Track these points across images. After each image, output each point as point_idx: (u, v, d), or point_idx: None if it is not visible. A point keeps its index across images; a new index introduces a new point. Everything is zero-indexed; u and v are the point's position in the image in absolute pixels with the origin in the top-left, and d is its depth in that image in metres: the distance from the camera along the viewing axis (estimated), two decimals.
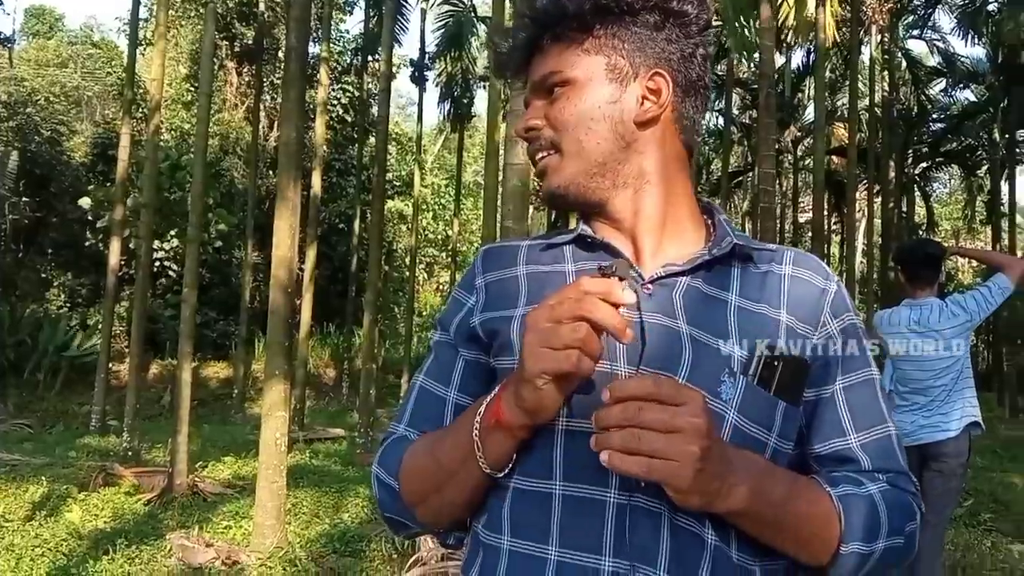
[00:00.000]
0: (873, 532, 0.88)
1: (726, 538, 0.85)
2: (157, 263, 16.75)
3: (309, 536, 5.82)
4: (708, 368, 0.87)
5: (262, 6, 16.07)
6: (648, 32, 0.97)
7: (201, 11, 9.08)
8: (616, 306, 0.76)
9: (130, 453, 8.91)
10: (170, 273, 17.43)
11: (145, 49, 19.28)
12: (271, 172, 19.56)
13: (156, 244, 15.76)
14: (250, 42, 19.13)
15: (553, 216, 21.37)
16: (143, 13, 17.86)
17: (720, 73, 17.30)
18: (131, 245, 15.07)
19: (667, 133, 0.98)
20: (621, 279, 0.79)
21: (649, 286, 0.92)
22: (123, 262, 13.88)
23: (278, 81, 19.37)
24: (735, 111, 19.38)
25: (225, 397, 16.18)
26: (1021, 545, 5.67)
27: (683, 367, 0.87)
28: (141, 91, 17.41)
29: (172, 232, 17.02)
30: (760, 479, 0.82)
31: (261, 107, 17.41)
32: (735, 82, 17.82)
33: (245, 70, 20.95)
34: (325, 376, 19.17)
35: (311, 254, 12.08)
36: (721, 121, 19.46)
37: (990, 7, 17.41)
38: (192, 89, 19.54)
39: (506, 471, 0.89)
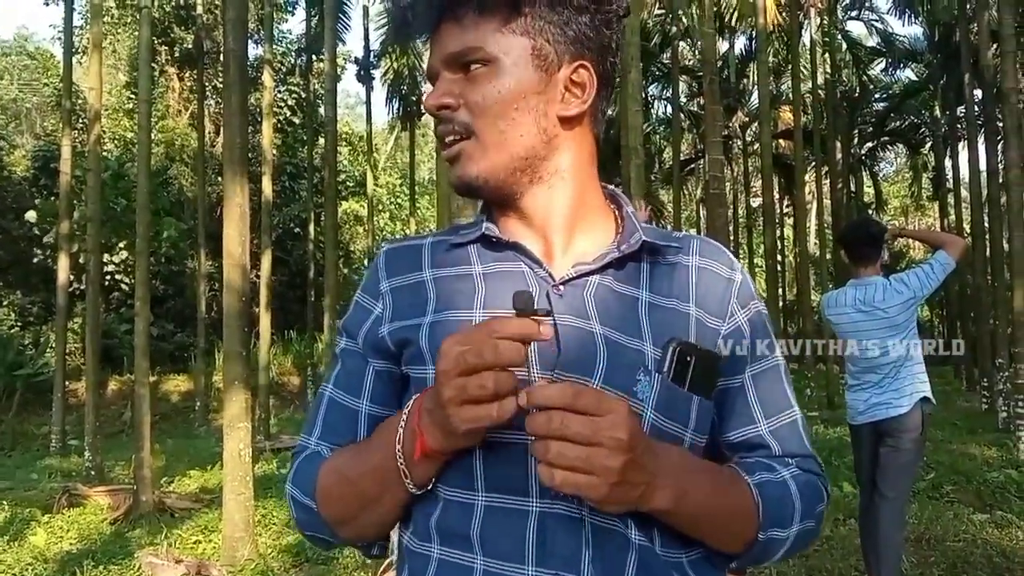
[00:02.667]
0: (788, 517, 0.90)
1: (649, 534, 0.84)
2: (108, 276, 16.39)
3: (281, 546, 5.76)
4: (623, 368, 0.86)
5: (200, 9, 15.76)
6: (574, 17, 0.90)
7: (137, 16, 8.86)
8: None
9: (93, 472, 8.74)
10: (122, 286, 17.08)
11: (82, 57, 18.81)
12: (220, 178, 19.24)
13: (105, 257, 15.41)
14: (189, 46, 18.79)
15: None
16: (77, 20, 17.42)
17: (666, 61, 17.45)
18: (80, 260, 14.72)
19: (584, 128, 0.94)
20: (534, 314, 0.75)
21: (561, 287, 0.89)
22: (73, 277, 13.55)
23: (221, 84, 19.05)
24: (683, 99, 19.53)
25: (188, 410, 15.91)
26: (983, 515, 5.82)
27: (598, 369, 0.85)
28: (80, 101, 16.99)
29: (121, 244, 16.66)
30: (684, 478, 0.82)
31: (205, 112, 17.10)
32: (681, 70, 17.97)
33: (187, 75, 20.56)
34: (289, 384, 18.95)
35: (266, 260, 11.92)
36: (669, 109, 19.62)
37: None
38: (133, 96, 19.12)
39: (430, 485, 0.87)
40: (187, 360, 17.72)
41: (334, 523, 0.93)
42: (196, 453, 10.55)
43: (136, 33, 18.92)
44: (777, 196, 21.09)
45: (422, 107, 18.79)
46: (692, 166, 22.73)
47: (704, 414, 0.90)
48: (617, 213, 0.99)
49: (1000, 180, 12.98)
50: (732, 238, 20.42)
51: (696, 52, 20.55)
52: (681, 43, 17.76)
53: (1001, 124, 10.54)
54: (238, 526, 5.19)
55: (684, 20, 16.19)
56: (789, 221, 26.46)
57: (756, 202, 25.56)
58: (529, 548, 0.82)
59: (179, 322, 18.27)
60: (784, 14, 15.93)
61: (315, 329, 16.86)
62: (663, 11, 16.58)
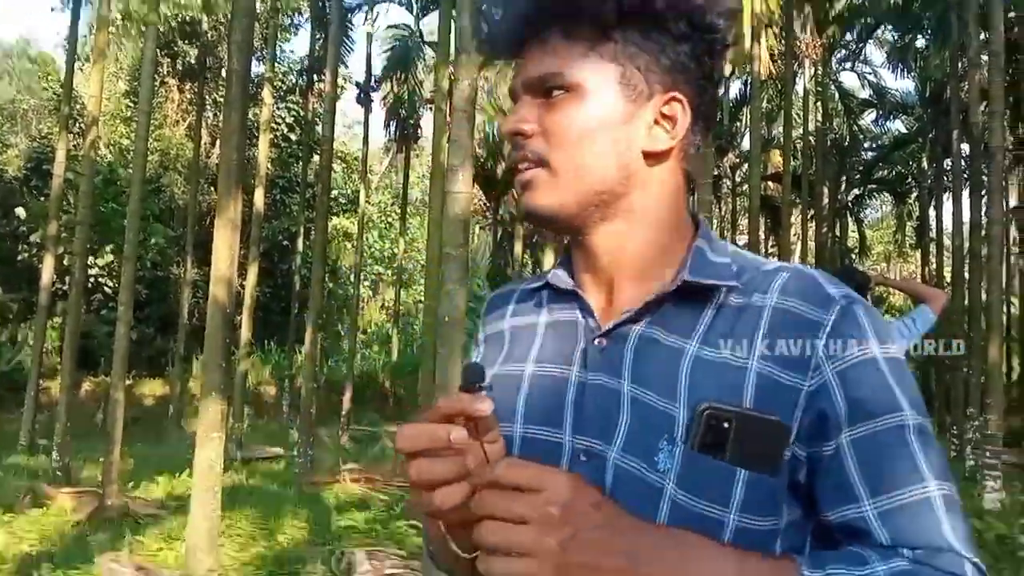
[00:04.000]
0: None
1: None
2: (92, 279, 16.36)
3: (244, 559, 5.76)
4: (646, 434, 0.76)
5: (205, 25, 15.93)
6: (670, 44, 0.81)
7: (143, 29, 8.99)
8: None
9: (60, 473, 8.67)
10: (105, 289, 17.05)
11: (83, 64, 18.91)
12: (212, 188, 19.30)
13: (91, 260, 15.40)
14: (192, 61, 18.92)
15: (499, 236, 21.57)
16: (83, 29, 17.54)
17: None
18: (65, 261, 14.70)
19: (672, 164, 0.85)
20: (473, 385, 0.72)
21: (603, 340, 0.82)
22: (56, 277, 13.53)
23: (220, 99, 19.17)
24: None
25: (161, 415, 15.82)
26: None
27: (618, 434, 0.77)
28: (79, 106, 17.06)
29: (108, 248, 16.65)
30: (677, 565, 0.67)
31: (203, 124, 17.21)
32: None
33: (187, 87, 20.69)
34: (265, 394, 18.88)
35: (252, 271, 11.97)
36: None
37: (919, 43, 18.22)
38: (132, 105, 19.22)
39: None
40: (164, 364, 17.66)
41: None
42: (166, 459, 10.50)
43: (140, 44, 19.07)
44: (763, 236, 21.35)
45: (419, 131, 19.00)
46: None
47: (758, 492, 0.74)
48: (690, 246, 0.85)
49: (982, 234, 13.23)
50: None
51: None
52: None
53: (986, 180, 10.77)
54: (203, 536, 5.20)
55: None
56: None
57: (741, 240, 25.83)
58: None
59: (159, 327, 18.22)
60: (779, 63, 16.24)
61: (296, 342, 16.85)
62: None
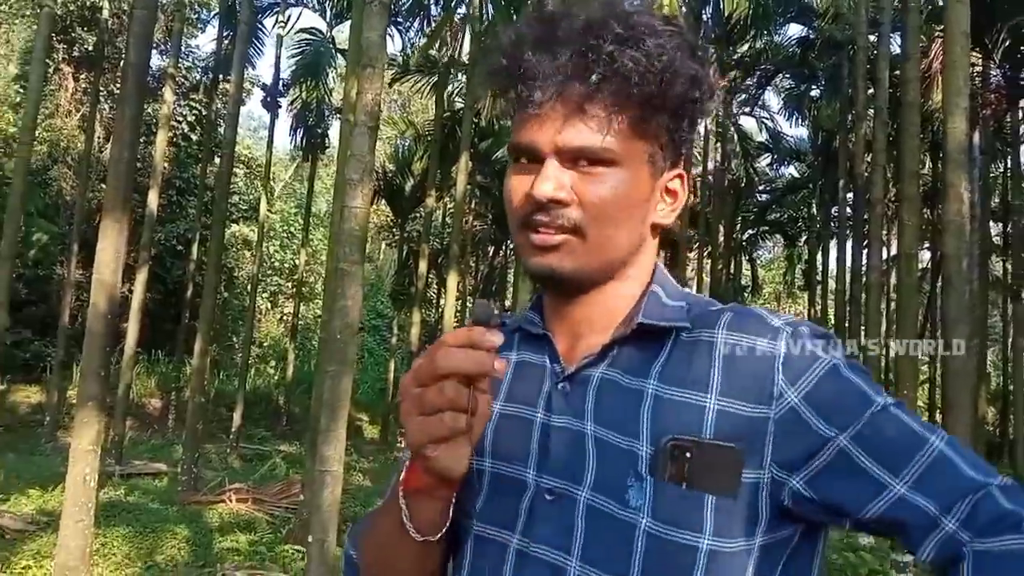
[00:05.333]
0: None
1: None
2: None
3: None
4: (614, 473, 0.80)
5: (106, 12, 15.25)
6: (683, 127, 0.87)
7: (38, 11, 8.49)
8: (488, 350, 0.72)
9: None
10: None
11: None
12: (104, 185, 18.43)
13: None
14: (90, 48, 18.08)
15: (404, 254, 21.40)
16: None
17: None
18: None
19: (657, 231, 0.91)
20: (486, 323, 0.74)
21: (566, 384, 0.86)
22: None
23: (118, 91, 18.39)
24: None
25: (35, 424, 14.87)
26: None
27: (587, 475, 0.81)
28: None
29: None
30: None
31: (97, 116, 16.42)
32: None
33: (83, 76, 19.74)
34: (150, 406, 18.03)
35: (141, 276, 11.45)
36: None
37: (813, 93, 19.23)
38: (21, 90, 18.18)
39: (438, 535, 0.83)
40: (42, 370, 16.62)
41: None
42: (38, 471, 9.87)
43: (32, 26, 18.11)
44: None
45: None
46: None
47: (726, 515, 0.78)
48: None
49: (863, 281, 14.01)
50: None
51: None
52: None
53: (867, 229, 11.41)
54: (73, 555, 4.89)
55: None
56: None
57: None
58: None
59: (39, 329, 17.15)
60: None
61: (184, 352, 16.19)
62: None
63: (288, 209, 27.46)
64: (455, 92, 17.64)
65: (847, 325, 16.08)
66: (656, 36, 0.82)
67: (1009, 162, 17.40)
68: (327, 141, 17.93)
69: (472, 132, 12.21)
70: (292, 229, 26.47)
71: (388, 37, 4.11)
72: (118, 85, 18.57)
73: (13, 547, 6.11)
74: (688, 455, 0.77)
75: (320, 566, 3.42)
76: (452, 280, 11.07)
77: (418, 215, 19.44)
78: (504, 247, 22.30)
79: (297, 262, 20.95)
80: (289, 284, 25.67)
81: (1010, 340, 20.57)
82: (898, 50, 12.54)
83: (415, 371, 0.74)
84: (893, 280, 18.56)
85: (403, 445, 0.84)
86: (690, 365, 0.82)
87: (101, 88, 16.87)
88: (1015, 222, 16.54)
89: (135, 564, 5.96)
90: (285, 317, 26.38)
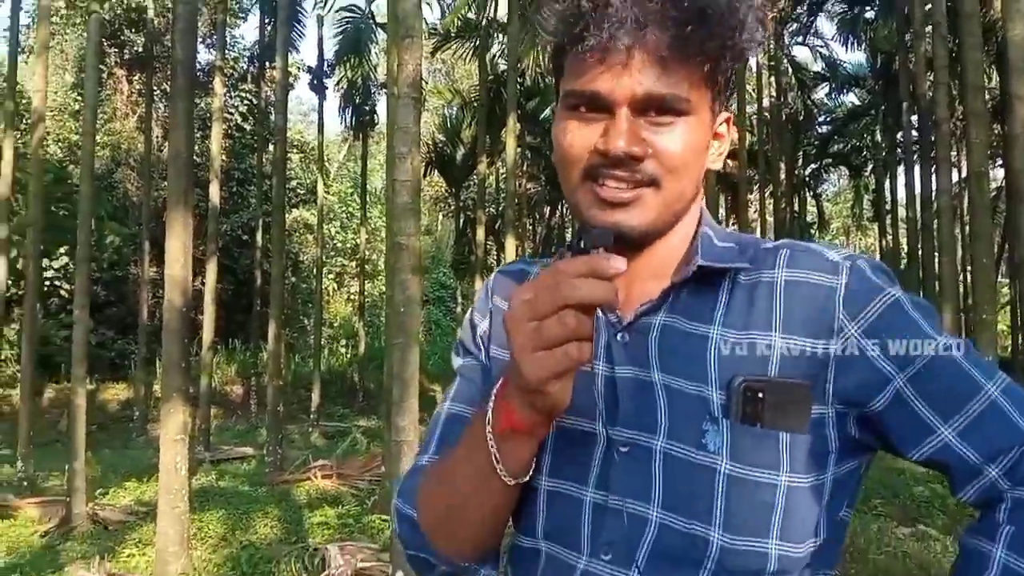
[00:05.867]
0: None
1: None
2: (47, 282, 15.95)
3: (216, 560, 5.70)
4: (688, 420, 0.80)
5: (151, 12, 15.54)
6: (733, 71, 0.85)
7: (87, 17, 8.72)
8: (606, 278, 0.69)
9: (25, 483, 8.53)
10: (61, 292, 16.64)
11: (27, 57, 18.38)
12: (166, 183, 18.95)
13: (45, 262, 15.02)
14: (140, 49, 18.48)
15: (461, 223, 21.48)
16: (24, 19, 17.02)
17: None
18: (19, 265, 14.33)
19: None
20: (600, 247, 0.71)
21: (625, 334, 0.85)
22: (11, 282, 13.19)
23: (169, 88, 18.79)
24: None
25: (126, 420, 15.55)
26: (906, 528, 6.05)
27: (661, 424, 0.81)
28: (24, 102, 16.57)
29: (61, 249, 16.25)
30: None
31: (153, 115, 16.83)
32: None
33: (136, 78, 20.21)
34: (232, 393, 18.66)
35: (211, 268, 11.77)
36: None
37: (868, 15, 18.42)
38: (79, 98, 18.73)
39: (528, 475, 0.82)
40: (127, 368, 17.33)
41: (432, 533, 0.88)
42: (133, 464, 10.35)
43: (84, 34, 18.57)
44: (723, 214, 21.54)
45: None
46: None
47: (799, 451, 0.79)
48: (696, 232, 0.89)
49: (933, 207, 13.50)
50: None
51: None
52: None
53: (935, 152, 10.96)
54: (172, 540, 5.13)
55: None
56: None
57: None
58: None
59: (120, 329, 17.86)
60: None
61: (260, 338, 16.65)
62: None
63: (345, 189, 27.78)
64: (497, 54, 17.46)
65: (920, 253, 15.58)
66: None
67: None
68: (376, 118, 17.99)
69: (517, 93, 12.08)
70: (351, 209, 26.82)
71: (426, 5, 4.09)
72: (170, 84, 19.02)
73: (116, 538, 6.44)
74: (760, 395, 0.78)
75: None
76: (510, 244, 11.07)
77: (471, 183, 19.41)
78: (560, 207, 22.13)
79: (358, 241, 21.26)
80: (352, 264, 26.08)
81: None
82: None
83: (530, 304, 0.69)
84: (965, 203, 17.82)
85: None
86: (752, 306, 0.82)
87: (155, 87, 17.26)
88: None
89: (231, 544, 6.20)
90: (352, 296, 26.87)
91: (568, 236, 24.01)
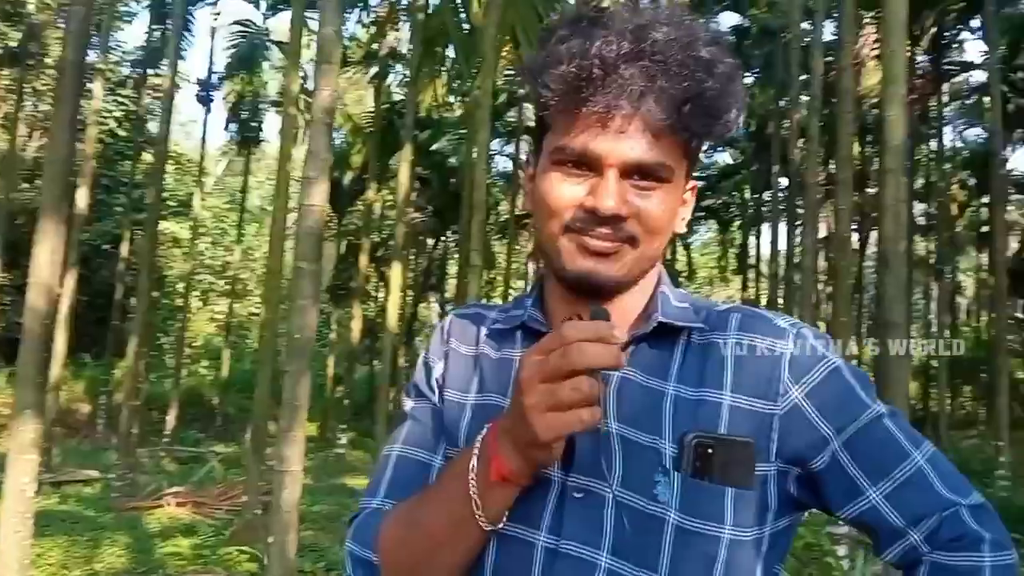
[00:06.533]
0: None
1: None
2: None
3: None
4: (641, 469, 0.83)
5: (32, 7, 14.60)
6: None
7: None
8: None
9: None
10: None
11: None
12: (28, 184, 17.67)
13: None
14: (14, 44, 17.29)
15: (343, 249, 21.07)
16: None
17: (510, 119, 18.04)
18: None
19: None
20: (594, 317, 0.76)
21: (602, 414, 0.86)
22: None
23: (42, 87, 17.65)
24: (523, 156, 20.23)
25: None
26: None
27: (615, 472, 0.84)
28: None
29: None
30: None
31: (21, 114, 15.73)
32: (524, 129, 18.67)
33: (5, 73, 18.86)
34: (78, 412, 17.42)
35: (71, 277, 11.04)
36: (510, 165, 20.27)
37: (747, 80, 19.62)
38: None
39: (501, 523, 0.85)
40: None
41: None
42: None
43: None
44: None
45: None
46: (526, 221, 23.43)
47: (744, 506, 0.83)
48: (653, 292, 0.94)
49: (795, 262, 14.41)
50: None
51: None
52: (526, 104, 18.47)
53: (802, 212, 11.73)
54: (11, 568, 4.69)
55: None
56: None
57: None
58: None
59: None
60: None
61: (114, 355, 15.66)
62: (512, 72, 17.27)
63: (220, 205, 26.77)
64: (392, 83, 17.43)
65: (779, 306, 16.57)
66: (722, 63, 0.84)
67: (933, 144, 18.08)
68: (261, 135, 17.51)
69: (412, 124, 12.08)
70: (224, 225, 25.85)
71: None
72: (42, 82, 17.82)
73: None
74: (710, 451, 0.82)
75: (281, 567, 3.36)
76: (396, 273, 10.95)
77: (356, 208, 19.15)
78: (443, 239, 22.15)
79: (229, 259, 20.48)
80: (221, 282, 25.07)
81: (931, 316, 21.47)
82: (830, 37, 12.90)
83: (539, 366, 0.73)
84: (821, 262, 19.13)
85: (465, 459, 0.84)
86: (705, 365, 0.87)
87: (24, 85, 16.16)
88: (940, 203, 17.23)
89: (72, 573, 5.76)
90: (216, 316, 25.78)
91: (450, 268, 24.03)
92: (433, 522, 0.85)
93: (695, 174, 0.95)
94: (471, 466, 0.81)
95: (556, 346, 0.72)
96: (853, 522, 0.87)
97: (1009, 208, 19.73)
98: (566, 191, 0.86)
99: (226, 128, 17.37)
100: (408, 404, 1.02)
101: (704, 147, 0.93)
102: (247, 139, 17.30)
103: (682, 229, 0.93)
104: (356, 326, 15.00)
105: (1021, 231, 23.49)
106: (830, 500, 0.86)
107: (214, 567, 6.06)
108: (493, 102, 8.80)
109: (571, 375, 0.71)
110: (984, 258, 24.19)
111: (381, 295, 24.32)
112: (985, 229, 21.59)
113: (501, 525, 0.84)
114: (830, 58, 11.37)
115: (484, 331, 0.99)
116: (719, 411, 0.84)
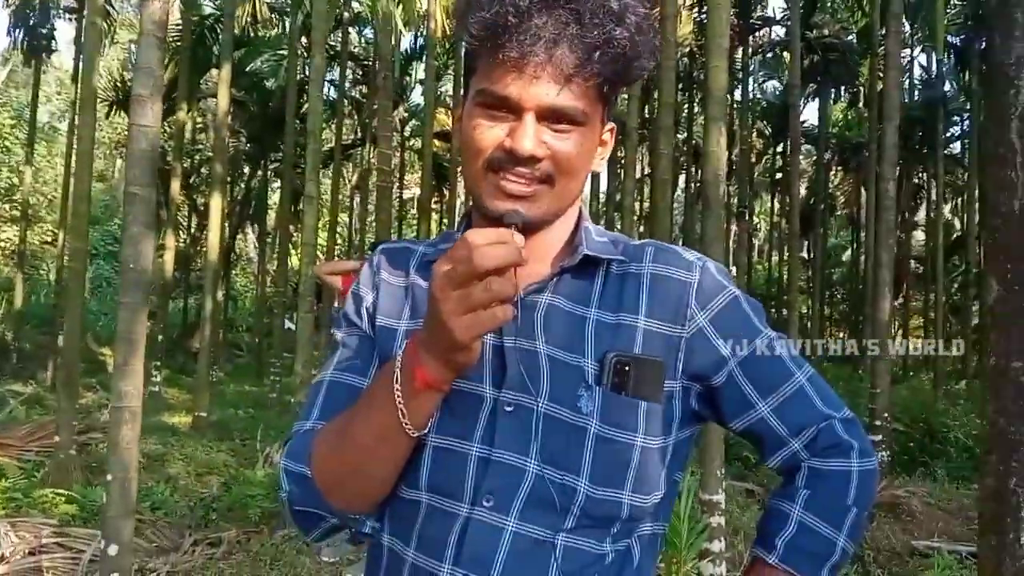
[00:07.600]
0: (818, 559, 0.98)
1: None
2: None
3: None
4: (566, 385, 0.92)
5: None
6: (622, 89, 0.99)
7: None
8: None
9: None
10: None
11: None
12: None
13: None
14: None
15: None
16: None
17: (334, 44, 17.35)
18: None
19: None
20: (511, 226, 0.84)
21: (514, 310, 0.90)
22: None
23: None
24: (347, 84, 19.56)
25: None
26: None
27: (543, 387, 0.92)
28: None
29: None
30: None
31: None
32: (349, 56, 18.03)
33: None
34: None
35: None
36: (334, 93, 19.55)
37: None
38: None
39: (427, 428, 0.90)
40: None
41: (326, 488, 0.92)
42: None
43: None
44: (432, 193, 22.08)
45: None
46: (351, 152, 22.85)
47: (654, 418, 0.93)
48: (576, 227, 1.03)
49: (616, 203, 15.06)
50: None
51: (363, 40, 20.76)
52: (350, 29, 17.81)
53: (622, 156, 12.14)
54: None
55: (357, 6, 16.34)
56: (436, 216, 27.83)
57: (407, 194, 26.53)
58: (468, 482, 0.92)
59: None
60: (451, 21, 16.75)
61: None
62: None
63: (5, 121, 23.93)
64: None
65: None
66: (634, 13, 0.91)
67: (737, 95, 19.38)
68: (54, 43, 15.75)
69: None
70: (7, 143, 23.23)
71: None
72: None
73: None
74: (627, 368, 0.92)
75: (122, 504, 3.24)
76: (216, 201, 10.36)
77: (165, 131, 17.82)
78: (264, 165, 21.14)
79: (15, 181, 18.53)
80: (7, 206, 22.68)
81: (730, 256, 23.32)
82: None
83: (448, 275, 0.77)
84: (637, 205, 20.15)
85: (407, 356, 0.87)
86: (622, 293, 0.97)
87: None
88: (742, 150, 18.58)
89: None
90: (5, 243, 23.39)
91: (273, 198, 23.06)
92: (362, 432, 0.89)
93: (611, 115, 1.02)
94: (396, 377, 0.86)
95: (464, 253, 0.76)
96: (743, 433, 1.01)
97: (799, 158, 21.63)
98: (487, 132, 0.92)
99: (9, 34, 15.45)
100: (339, 334, 1.06)
101: (619, 90, 0.99)
102: (35, 48, 15.48)
103: (599, 168, 1.00)
104: (169, 258, 14.09)
105: (808, 179, 25.90)
106: (725, 413, 1.00)
107: (29, 510, 5.68)
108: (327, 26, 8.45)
109: (481, 277, 0.76)
110: (776, 203, 26.49)
111: (195, 227, 22.99)
112: (780, 176, 23.62)
113: (427, 431, 0.91)
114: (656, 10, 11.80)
115: (414, 263, 1.05)
116: (635, 334, 0.95)
